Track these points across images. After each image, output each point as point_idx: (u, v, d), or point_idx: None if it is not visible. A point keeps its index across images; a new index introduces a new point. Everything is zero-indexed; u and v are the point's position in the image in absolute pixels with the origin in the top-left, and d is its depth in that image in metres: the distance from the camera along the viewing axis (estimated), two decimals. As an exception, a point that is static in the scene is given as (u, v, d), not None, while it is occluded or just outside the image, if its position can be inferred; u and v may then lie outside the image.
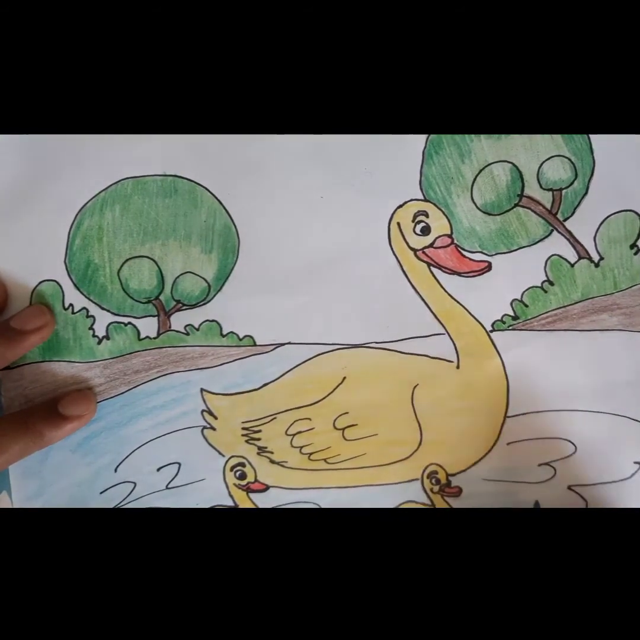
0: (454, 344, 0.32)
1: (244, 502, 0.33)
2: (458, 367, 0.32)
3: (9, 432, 0.29)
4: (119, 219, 0.31)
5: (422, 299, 0.31)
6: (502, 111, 0.28)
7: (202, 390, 0.32)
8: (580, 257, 0.31)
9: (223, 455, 0.33)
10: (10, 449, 0.29)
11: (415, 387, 0.32)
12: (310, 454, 0.33)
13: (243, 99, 0.28)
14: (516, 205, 0.31)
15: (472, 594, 0.23)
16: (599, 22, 0.26)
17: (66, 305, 0.32)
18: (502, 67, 0.27)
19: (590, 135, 0.30)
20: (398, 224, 0.31)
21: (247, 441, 0.33)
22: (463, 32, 0.26)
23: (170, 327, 0.32)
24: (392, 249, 0.31)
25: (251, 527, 0.24)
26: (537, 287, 0.31)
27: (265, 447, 0.33)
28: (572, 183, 0.31)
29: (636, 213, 0.31)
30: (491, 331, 0.32)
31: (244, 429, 0.32)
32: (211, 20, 0.26)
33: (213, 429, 0.33)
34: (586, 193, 0.31)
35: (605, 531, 0.23)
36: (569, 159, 0.30)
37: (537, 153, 0.30)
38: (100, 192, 0.31)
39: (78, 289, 0.32)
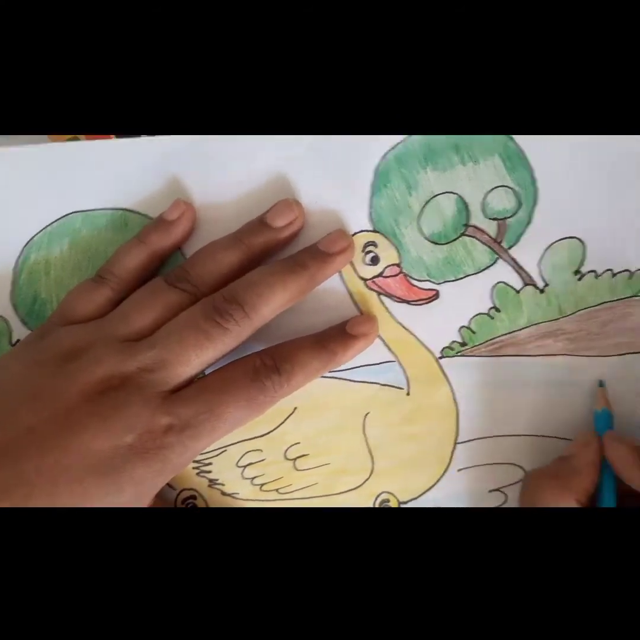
0: (404, 371, 0.32)
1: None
2: (408, 394, 0.32)
3: (308, 349, 0.30)
4: (67, 252, 0.31)
5: (373, 328, 0.32)
6: (503, 111, 0.27)
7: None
8: (525, 284, 0.32)
9: (174, 489, 0.33)
10: (309, 365, 0.29)
11: (366, 415, 0.32)
12: (262, 484, 0.33)
13: (241, 100, 0.27)
14: (462, 234, 0.31)
15: (464, 599, 0.23)
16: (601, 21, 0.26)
17: (14, 341, 0.31)
18: (502, 66, 0.27)
19: (533, 167, 0.31)
20: (348, 254, 0.31)
21: (197, 474, 0.33)
22: (463, 32, 0.26)
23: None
24: (342, 278, 0.32)
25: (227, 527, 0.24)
26: (484, 313, 0.32)
27: (217, 480, 0.33)
28: (516, 212, 0.31)
29: (579, 240, 0.31)
30: (440, 358, 0.32)
31: (194, 462, 0.32)
32: (210, 20, 0.26)
33: (164, 462, 0.33)
34: (530, 222, 0.31)
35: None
36: (513, 189, 0.31)
37: (482, 184, 0.31)
38: (47, 226, 0.31)
39: (25, 324, 0.31)
